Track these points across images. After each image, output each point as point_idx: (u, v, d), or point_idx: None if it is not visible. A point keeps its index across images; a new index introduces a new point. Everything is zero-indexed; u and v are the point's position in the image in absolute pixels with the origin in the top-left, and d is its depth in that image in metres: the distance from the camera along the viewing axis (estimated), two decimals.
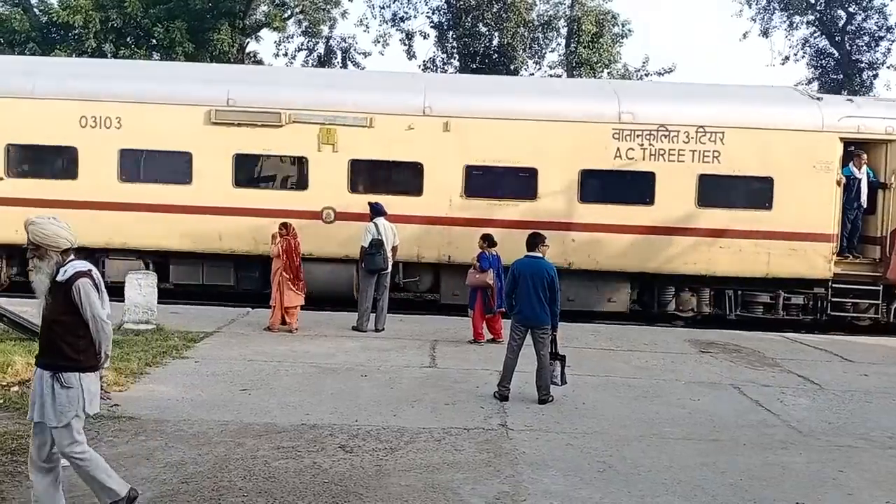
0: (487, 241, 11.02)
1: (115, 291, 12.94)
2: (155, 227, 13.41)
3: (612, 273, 13.63)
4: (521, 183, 13.51)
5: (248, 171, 13.80)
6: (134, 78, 14.22)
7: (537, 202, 13.41)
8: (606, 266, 13.50)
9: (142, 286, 10.69)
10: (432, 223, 13.44)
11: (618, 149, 13.31)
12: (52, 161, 13.88)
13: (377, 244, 11.30)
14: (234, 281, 13.94)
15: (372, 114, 13.38)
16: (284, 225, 11.39)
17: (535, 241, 8.30)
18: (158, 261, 13.86)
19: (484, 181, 13.53)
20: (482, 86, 15.03)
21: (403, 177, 13.67)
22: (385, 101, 13.58)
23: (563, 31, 28.75)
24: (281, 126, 13.34)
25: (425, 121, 13.38)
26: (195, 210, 13.43)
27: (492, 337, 10.97)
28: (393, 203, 12.67)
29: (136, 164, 13.67)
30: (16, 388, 7.45)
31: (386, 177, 13.83)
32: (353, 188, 13.52)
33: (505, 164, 13.45)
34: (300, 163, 13.62)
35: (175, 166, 13.55)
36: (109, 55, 25.47)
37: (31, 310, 10.91)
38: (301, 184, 13.66)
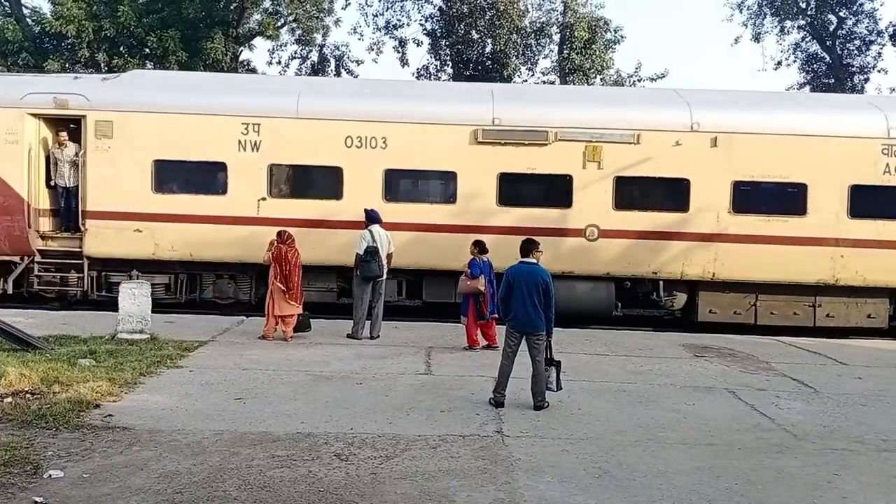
0: (479, 247, 11.03)
1: None
2: (416, 246, 13.28)
3: (871, 288, 13.62)
4: (789, 199, 13.49)
5: (512, 189, 13.60)
6: (399, 97, 14.19)
7: (806, 218, 13.39)
8: (871, 282, 13.50)
9: (136, 296, 10.67)
10: (698, 239, 13.44)
11: (887, 164, 13.36)
12: (316, 181, 13.83)
13: (372, 251, 11.29)
14: None
15: (639, 130, 13.34)
16: (280, 233, 11.38)
17: (528, 248, 8.31)
18: (410, 279, 13.91)
19: (751, 197, 13.50)
20: (748, 100, 14.69)
21: (669, 193, 13.60)
22: (652, 117, 13.55)
23: (556, 37, 28.82)
24: (546, 144, 13.33)
25: (693, 136, 13.34)
26: (456, 229, 13.34)
27: (487, 343, 10.99)
28: (659, 220, 13.25)
29: (399, 184, 13.72)
30: (9, 400, 7.41)
31: (651, 193, 13.74)
32: (618, 205, 13.44)
33: (773, 180, 13.44)
34: (564, 181, 13.49)
35: (440, 186, 13.69)
36: (103, 65, 25.46)
37: (23, 320, 10.90)
38: (564, 202, 13.50)
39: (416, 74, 30.08)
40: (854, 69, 30.26)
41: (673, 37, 57.94)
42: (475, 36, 28.65)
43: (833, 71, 29.95)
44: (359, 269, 11.44)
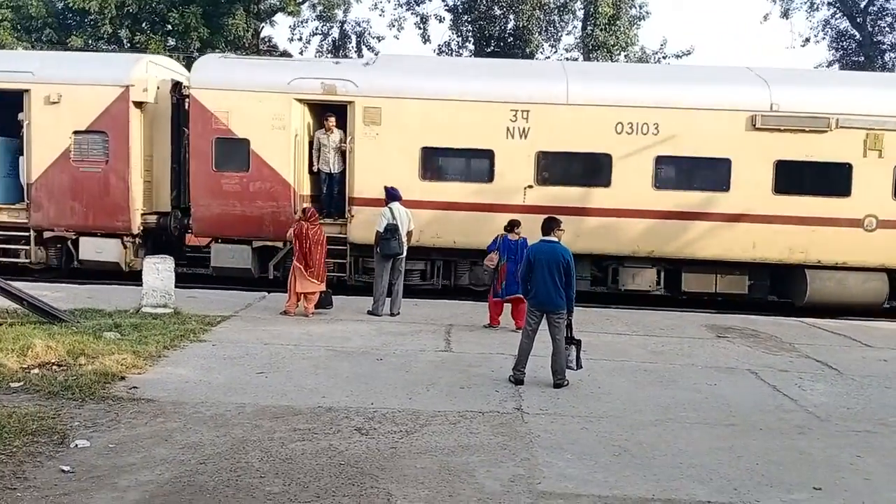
0: (509, 226, 10.96)
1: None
2: (685, 234, 13.18)
3: None
4: None
5: (788, 178, 13.28)
6: (671, 81, 13.95)
7: None
8: None
9: (159, 270, 10.77)
10: None
11: None
12: (584, 169, 13.57)
13: (392, 229, 11.30)
14: (747, 289, 13.76)
15: None
16: (304, 210, 11.43)
17: (550, 226, 8.27)
18: (669, 268, 13.82)
19: None
20: None
21: None
22: None
23: (580, 13, 28.47)
24: (826, 132, 13.03)
25: None
26: (728, 218, 13.22)
27: (516, 326, 10.65)
28: None
29: (671, 172, 13.56)
30: (36, 371, 7.54)
31: None
32: None
33: None
34: (843, 169, 13.19)
35: (712, 174, 13.35)
36: (125, 40, 25.56)
37: (49, 294, 11.06)
38: (842, 191, 13.19)
39: (437, 51, 29.89)
40: (885, 46, 29.62)
41: (699, 13, 57.00)
42: (497, 12, 28.38)
43: (863, 48, 29.33)
44: (379, 247, 11.46)
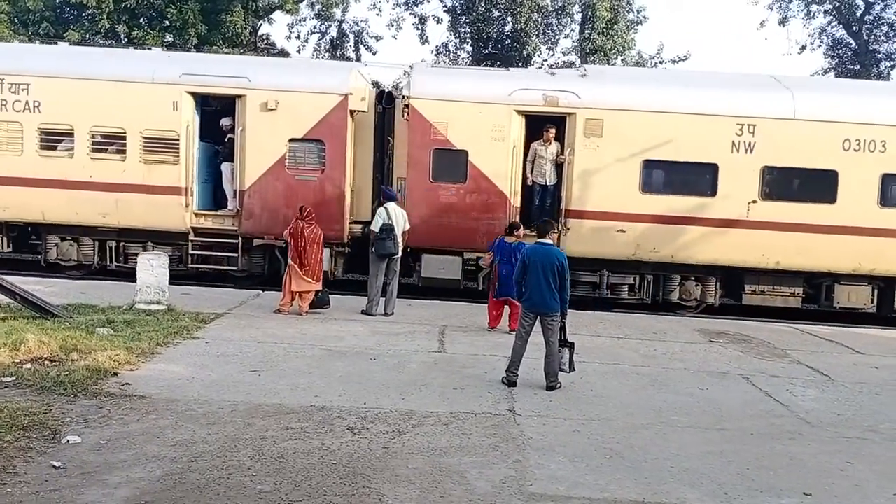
0: (507, 228, 10.98)
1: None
2: None
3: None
4: None
5: None
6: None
7: None
8: None
9: (153, 267, 10.75)
10: None
11: None
12: (808, 184, 13.38)
13: (387, 229, 11.31)
14: None
15: None
16: (300, 209, 11.40)
17: (545, 229, 8.29)
18: (882, 286, 13.67)
19: None
20: None
21: None
22: None
23: (578, 17, 28.51)
24: None
25: None
26: None
27: (510, 327, 10.73)
28: None
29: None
30: (28, 366, 7.52)
31: None
32: None
33: None
34: None
35: None
36: (122, 36, 25.50)
37: (42, 288, 11.03)
38: None
39: (434, 52, 29.92)
40: (880, 55, 29.77)
41: (696, 19, 57.16)
42: (495, 14, 28.41)
43: (859, 57, 29.47)
44: (374, 247, 11.47)
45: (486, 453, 6.05)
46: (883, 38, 29.74)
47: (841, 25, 30.07)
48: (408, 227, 11.74)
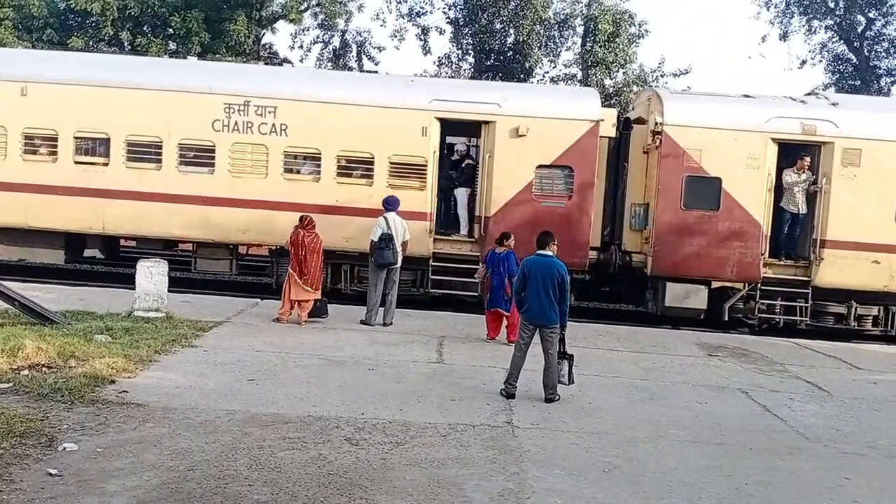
0: (500, 238, 10.99)
1: None
2: None
3: None
4: None
5: None
6: None
7: None
8: None
9: (153, 274, 10.74)
10: None
11: None
12: None
13: (387, 238, 11.31)
14: None
15: None
16: (301, 218, 11.40)
17: (545, 240, 8.29)
18: None
19: None
20: None
21: None
22: None
23: (580, 29, 28.62)
24: None
25: None
26: None
27: (508, 338, 10.62)
28: None
29: None
30: (26, 372, 7.50)
31: None
32: None
33: None
34: None
35: None
36: (126, 43, 25.60)
37: (41, 294, 11.02)
38: None
39: (437, 63, 30.03)
40: (881, 71, 29.87)
41: (697, 33, 57.38)
42: (498, 26, 28.52)
43: (859, 73, 29.57)
44: (373, 257, 11.47)
45: (484, 466, 6.03)
46: (884, 54, 29.84)
47: (842, 41, 30.19)
48: (408, 237, 11.73)
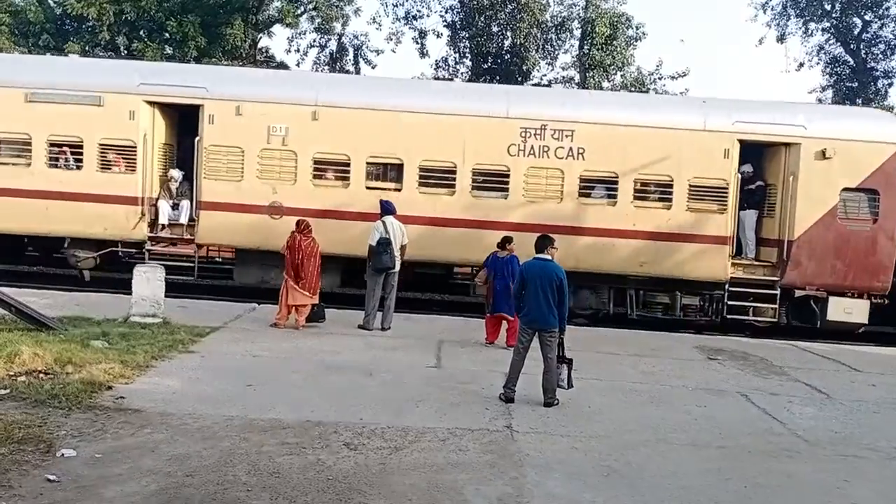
0: (502, 242, 10.99)
1: None
2: None
3: None
4: None
5: None
6: None
7: None
8: None
9: (149, 280, 10.71)
10: None
11: None
12: None
13: (384, 243, 11.28)
14: None
15: None
16: (298, 223, 11.38)
17: (543, 244, 8.27)
18: None
19: None
20: None
21: None
22: None
23: (577, 32, 28.69)
24: None
25: None
26: None
27: (507, 342, 10.57)
28: None
29: None
30: (23, 378, 7.47)
31: None
32: None
33: None
34: None
35: None
36: (122, 48, 25.60)
37: (37, 300, 10.99)
38: None
39: (434, 66, 30.07)
40: (878, 73, 29.95)
41: (695, 35, 57.50)
42: (495, 29, 28.57)
43: (856, 75, 29.65)
44: (371, 261, 11.44)
45: (484, 470, 6.02)
46: (880, 55, 29.96)
47: (839, 43, 30.29)
48: (406, 241, 11.70)
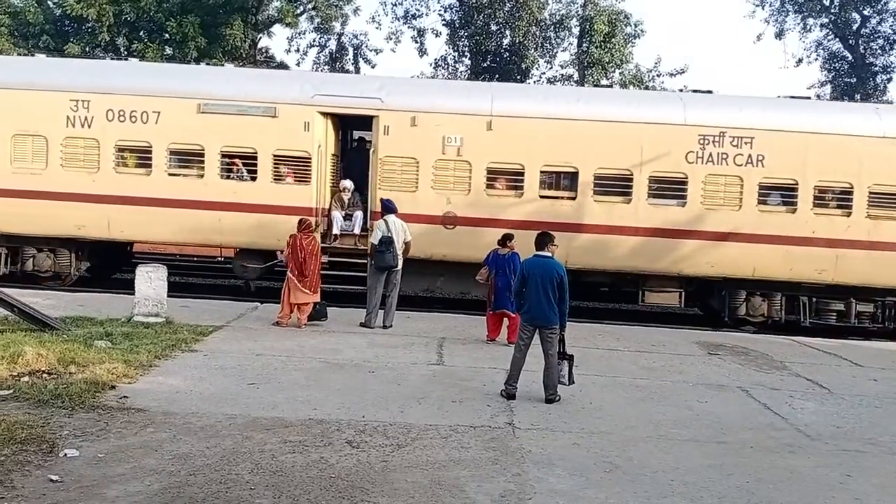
0: (503, 239, 11.01)
1: None
2: None
3: None
4: None
5: None
6: None
7: None
8: None
9: (152, 279, 10.74)
10: None
11: None
12: None
13: (387, 241, 11.30)
14: None
15: None
16: (299, 222, 11.40)
17: (543, 241, 8.29)
18: None
19: None
20: None
21: None
22: None
23: (576, 30, 28.70)
24: None
25: None
26: None
27: (508, 339, 10.62)
28: None
29: None
30: (26, 379, 7.50)
31: None
32: None
33: None
34: None
35: None
36: (122, 49, 25.61)
37: (40, 301, 11.01)
38: None
39: (433, 65, 30.09)
40: (877, 69, 29.94)
41: (693, 32, 57.48)
42: (494, 27, 28.58)
43: (855, 70, 29.64)
44: (373, 259, 11.47)
45: (486, 467, 6.03)
46: (879, 51, 29.95)
47: (837, 39, 30.28)
48: (409, 238, 11.71)
